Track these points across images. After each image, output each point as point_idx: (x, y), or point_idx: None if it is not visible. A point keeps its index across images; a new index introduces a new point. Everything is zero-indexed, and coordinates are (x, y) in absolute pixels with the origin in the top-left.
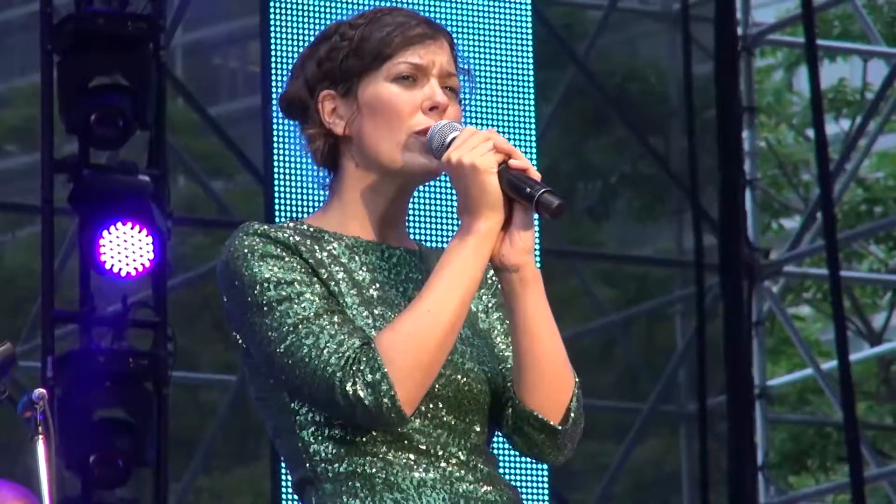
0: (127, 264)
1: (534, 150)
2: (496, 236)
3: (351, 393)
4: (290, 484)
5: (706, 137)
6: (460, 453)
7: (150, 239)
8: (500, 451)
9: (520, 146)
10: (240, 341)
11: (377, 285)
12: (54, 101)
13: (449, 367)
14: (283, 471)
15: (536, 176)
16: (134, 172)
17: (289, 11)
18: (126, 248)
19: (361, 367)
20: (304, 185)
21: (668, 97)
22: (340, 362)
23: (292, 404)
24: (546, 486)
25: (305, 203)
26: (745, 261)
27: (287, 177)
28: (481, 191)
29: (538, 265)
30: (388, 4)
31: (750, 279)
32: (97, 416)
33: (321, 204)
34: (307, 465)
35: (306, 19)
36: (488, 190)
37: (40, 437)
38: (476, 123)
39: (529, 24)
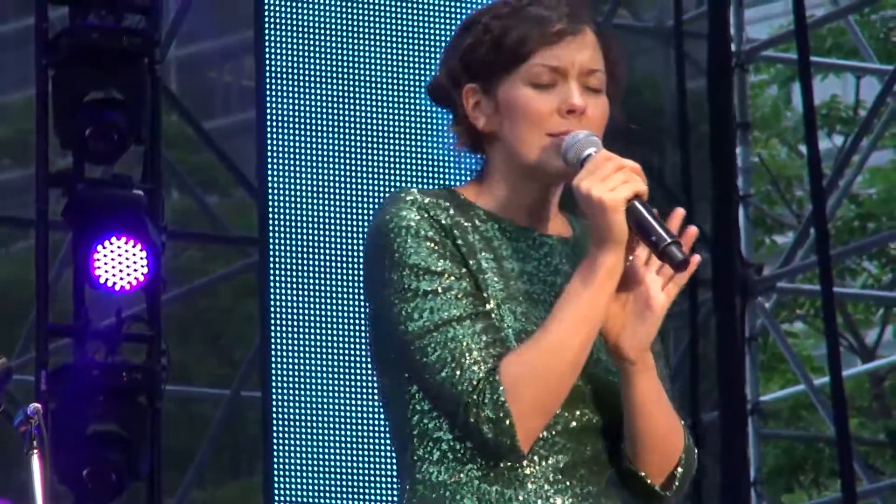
0: (121, 278)
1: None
2: (622, 268)
3: (472, 422)
4: (282, 499)
5: (700, 153)
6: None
7: (144, 253)
8: None
9: None
10: (370, 308)
11: (525, 277)
12: (49, 115)
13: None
14: (276, 485)
15: (678, 216)
16: (128, 186)
17: (283, 26)
18: (120, 263)
19: (485, 401)
20: (298, 199)
21: (662, 112)
22: (469, 387)
23: (411, 388)
24: None
25: (300, 217)
26: (739, 276)
27: (281, 191)
28: (607, 228)
29: None
30: None
31: (743, 295)
32: (91, 429)
33: (316, 219)
34: (411, 454)
35: (300, 34)
36: (614, 228)
37: (35, 451)
38: None
39: None
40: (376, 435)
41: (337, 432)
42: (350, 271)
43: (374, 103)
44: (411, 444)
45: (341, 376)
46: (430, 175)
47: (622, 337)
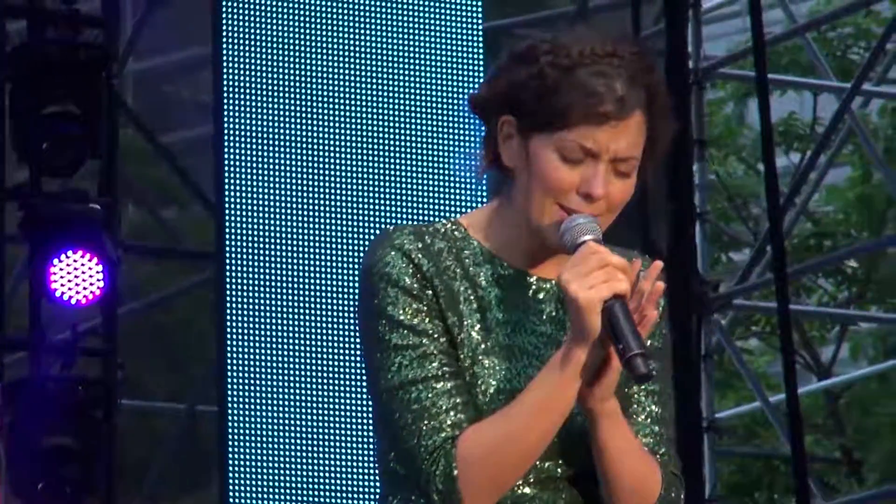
0: (77, 292)
1: (485, 183)
2: (588, 364)
3: (425, 488)
4: None
5: (657, 170)
6: None
7: (100, 267)
8: None
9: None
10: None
11: (509, 328)
12: (6, 128)
13: None
14: (231, 499)
15: (651, 317)
16: (85, 200)
17: (241, 41)
18: (76, 276)
19: (437, 472)
20: (255, 214)
21: None
22: (425, 454)
23: None
24: None
25: (257, 232)
26: (694, 293)
27: (238, 206)
28: (581, 326)
29: None
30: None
31: (699, 312)
32: (46, 443)
33: (273, 234)
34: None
35: (258, 49)
36: (587, 327)
37: None
38: (431, 157)
39: (481, 57)
40: (331, 450)
41: (292, 447)
42: (306, 287)
43: (331, 118)
44: (386, 488)
45: (297, 391)
46: (387, 190)
47: (584, 386)
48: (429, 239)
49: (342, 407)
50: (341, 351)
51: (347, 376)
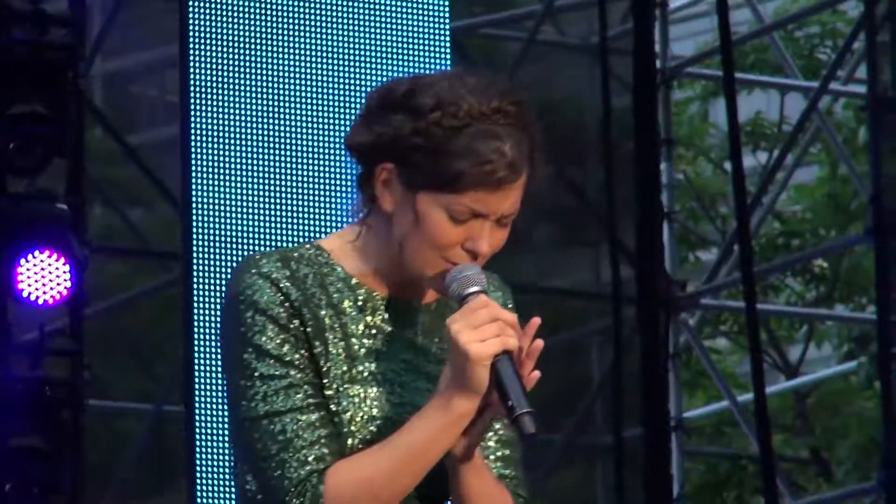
0: (44, 292)
1: None
2: (471, 416)
3: None
4: None
5: (624, 169)
6: None
7: (67, 267)
8: None
9: None
10: (222, 361)
11: (373, 357)
12: None
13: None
14: (199, 500)
15: (533, 376)
16: (52, 201)
17: (207, 41)
18: (43, 277)
19: (304, 502)
20: (222, 214)
21: (586, 129)
22: (290, 486)
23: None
24: None
25: (224, 232)
26: (662, 293)
27: (205, 206)
28: (468, 378)
29: None
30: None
31: (667, 311)
32: (13, 443)
33: (240, 235)
34: None
35: (225, 48)
36: (475, 379)
37: None
38: None
39: (448, 56)
40: None
41: None
42: None
43: (299, 118)
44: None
45: None
46: (354, 190)
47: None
48: (294, 265)
49: None
50: None
51: None
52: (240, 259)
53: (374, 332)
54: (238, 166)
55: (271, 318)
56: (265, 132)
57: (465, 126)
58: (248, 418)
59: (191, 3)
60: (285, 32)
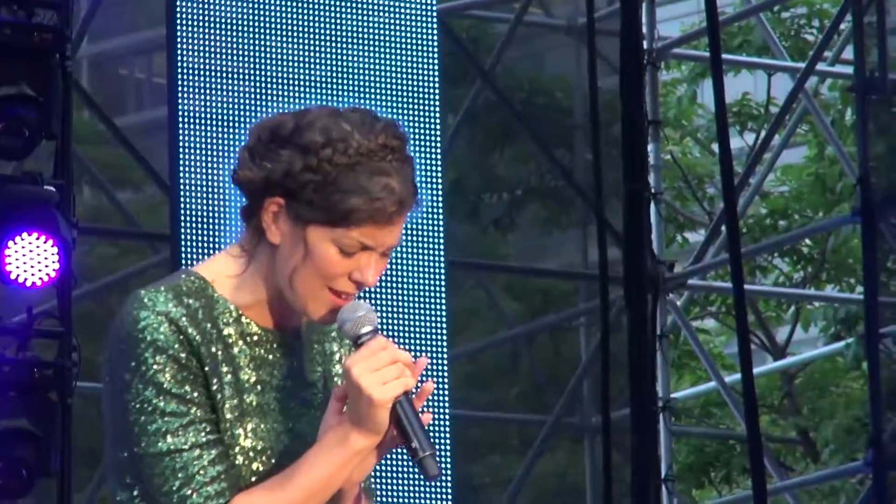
0: (32, 274)
1: (439, 163)
2: (367, 452)
3: None
4: None
5: (611, 150)
6: None
7: (55, 249)
8: (398, 460)
9: (426, 159)
10: (108, 387)
11: (259, 388)
12: None
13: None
14: None
15: (426, 418)
16: (39, 183)
17: (195, 23)
18: (31, 258)
19: None
20: (210, 196)
21: (573, 110)
22: None
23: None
24: (450, 498)
25: (210, 214)
26: (650, 274)
27: (192, 188)
28: (369, 419)
29: (443, 277)
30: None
31: (654, 292)
32: (1, 425)
33: (227, 216)
34: None
35: (212, 31)
36: (376, 422)
37: None
38: None
39: (436, 37)
40: None
41: None
42: None
43: (286, 101)
44: None
45: None
46: None
47: None
48: (186, 300)
49: None
50: None
51: None
52: (226, 240)
53: (259, 363)
54: (225, 148)
55: (171, 358)
56: (252, 114)
57: (355, 164)
58: (149, 454)
59: None
60: (272, 16)
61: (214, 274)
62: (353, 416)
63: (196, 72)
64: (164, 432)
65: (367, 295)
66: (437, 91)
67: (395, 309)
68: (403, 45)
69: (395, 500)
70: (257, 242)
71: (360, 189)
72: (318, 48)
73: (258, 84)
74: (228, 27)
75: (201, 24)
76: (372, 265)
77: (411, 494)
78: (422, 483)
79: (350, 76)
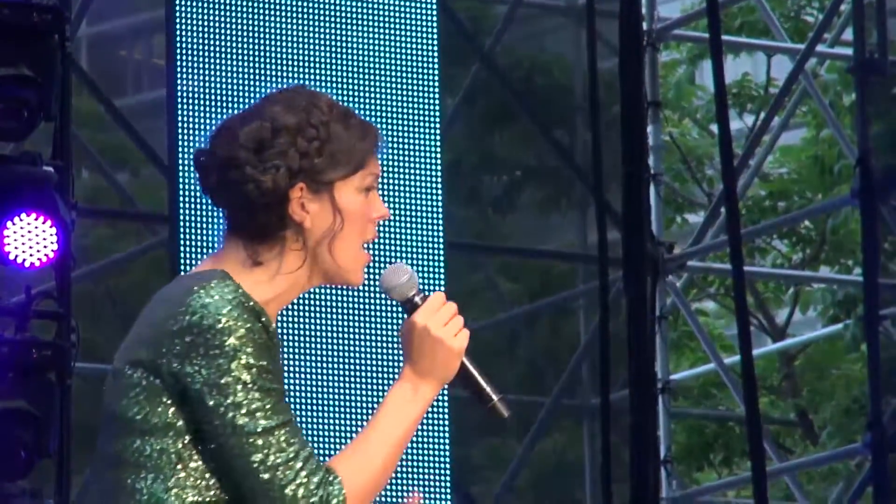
0: (31, 255)
1: (438, 144)
2: None
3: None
4: None
5: (610, 132)
6: None
7: (54, 230)
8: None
9: (424, 140)
10: (188, 382)
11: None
12: None
13: None
14: None
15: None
16: (38, 164)
17: (194, 4)
18: (30, 239)
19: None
20: None
21: (572, 91)
22: (305, 492)
23: (191, 463)
24: (448, 479)
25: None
26: (649, 255)
27: (191, 169)
28: (445, 369)
29: (442, 258)
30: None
31: (653, 274)
32: None
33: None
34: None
35: (211, 12)
36: (451, 371)
37: None
38: (381, 116)
39: (435, 18)
40: None
41: None
42: None
43: (284, 82)
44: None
45: None
46: None
47: None
48: (266, 318)
49: (294, 366)
50: (293, 308)
51: (299, 334)
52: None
53: (277, 355)
54: None
55: (266, 346)
56: (251, 95)
57: (340, 116)
58: (253, 432)
59: None
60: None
61: (238, 277)
62: (422, 369)
63: (195, 53)
64: (263, 408)
65: (366, 276)
66: (436, 72)
67: None
68: (403, 26)
69: (393, 481)
70: (271, 248)
71: (352, 128)
72: (316, 28)
73: (257, 64)
74: (227, 8)
75: (200, 4)
76: (380, 200)
77: (411, 476)
78: (421, 464)
79: (349, 57)
